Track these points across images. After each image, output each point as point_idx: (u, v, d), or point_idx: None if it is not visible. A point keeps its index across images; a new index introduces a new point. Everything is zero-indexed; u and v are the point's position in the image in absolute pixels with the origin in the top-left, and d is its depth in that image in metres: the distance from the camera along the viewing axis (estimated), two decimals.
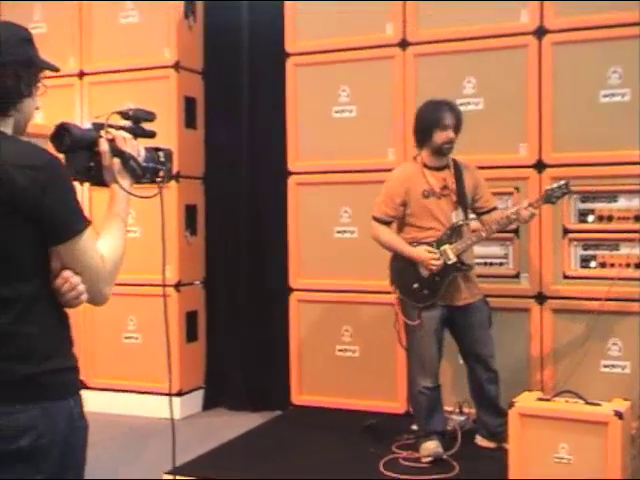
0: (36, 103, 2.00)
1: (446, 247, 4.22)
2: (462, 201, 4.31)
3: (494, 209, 4.40)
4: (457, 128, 4.24)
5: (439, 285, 4.23)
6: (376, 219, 4.37)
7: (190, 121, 5.84)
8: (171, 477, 3.92)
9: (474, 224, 4.43)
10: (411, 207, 4.30)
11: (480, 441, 4.46)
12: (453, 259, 4.21)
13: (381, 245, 4.38)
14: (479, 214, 4.41)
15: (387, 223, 4.37)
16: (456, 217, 4.29)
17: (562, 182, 4.23)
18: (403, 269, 4.31)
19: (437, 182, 4.29)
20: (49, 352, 1.92)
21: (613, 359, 4.66)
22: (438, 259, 4.19)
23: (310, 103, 5.41)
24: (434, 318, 4.25)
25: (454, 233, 4.27)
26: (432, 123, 4.22)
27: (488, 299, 4.48)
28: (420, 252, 4.23)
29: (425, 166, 4.32)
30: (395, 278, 4.37)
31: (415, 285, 4.26)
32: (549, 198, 4.22)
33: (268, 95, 5.75)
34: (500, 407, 4.37)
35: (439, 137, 4.22)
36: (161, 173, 2.24)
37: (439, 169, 4.32)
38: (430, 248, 4.22)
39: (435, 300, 4.24)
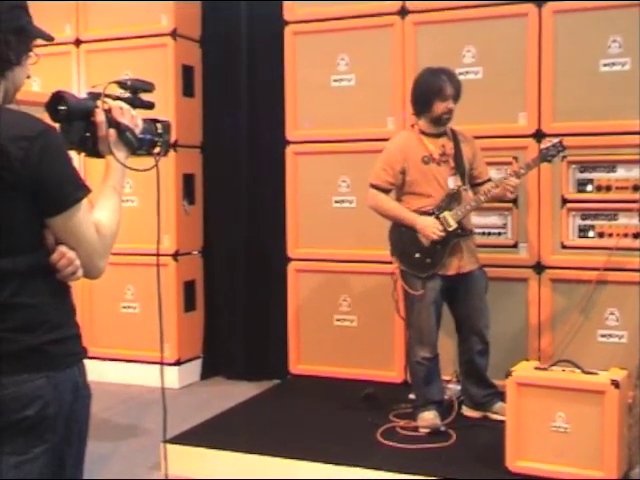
0: (27, 72, 1.97)
1: (446, 214, 4.20)
2: (460, 167, 4.29)
3: (488, 181, 4.40)
4: (456, 98, 4.23)
5: (441, 253, 4.21)
6: (375, 187, 4.33)
7: (188, 89, 5.81)
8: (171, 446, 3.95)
9: (470, 193, 4.41)
10: (411, 174, 4.26)
11: (466, 411, 4.48)
12: (454, 225, 4.19)
13: (380, 213, 4.34)
14: (473, 185, 4.40)
15: (386, 191, 4.34)
16: (453, 183, 4.26)
17: (556, 140, 4.27)
18: (403, 239, 4.28)
19: (436, 148, 4.27)
20: (53, 322, 1.92)
21: (610, 329, 4.67)
22: (442, 230, 4.17)
23: (309, 72, 5.37)
24: (434, 289, 4.24)
25: (453, 199, 4.24)
26: (433, 93, 4.18)
27: (486, 269, 4.49)
28: (423, 220, 4.20)
29: (423, 133, 4.30)
30: (396, 249, 4.35)
31: (417, 255, 4.23)
32: (545, 157, 4.25)
33: (266, 63, 5.71)
34: (487, 379, 4.42)
35: (439, 107, 4.19)
36: (158, 145, 2.22)
37: (437, 136, 4.30)
38: (433, 218, 4.19)
39: (437, 269, 4.22)
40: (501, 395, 4.17)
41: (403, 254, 4.30)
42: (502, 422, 3.83)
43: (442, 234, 4.17)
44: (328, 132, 5.32)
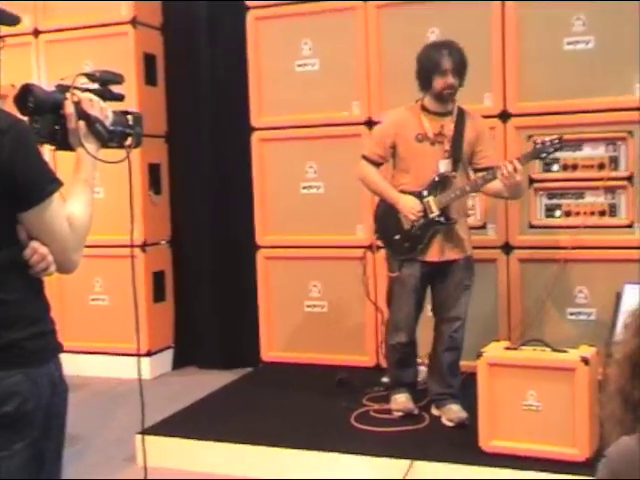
0: None
1: (430, 199, 4.02)
2: (454, 151, 4.06)
3: (490, 168, 4.00)
4: (458, 72, 4.01)
5: (420, 239, 4.05)
6: (365, 158, 4.20)
7: (150, 78, 5.74)
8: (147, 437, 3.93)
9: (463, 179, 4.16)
10: (401, 151, 4.11)
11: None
12: (436, 212, 4.02)
13: (366, 185, 4.23)
14: (475, 170, 4.14)
15: (376, 164, 4.20)
16: (444, 167, 4.05)
17: (555, 137, 3.97)
18: (386, 219, 4.16)
19: (432, 127, 4.06)
20: (30, 318, 1.90)
21: (579, 306, 4.72)
22: (419, 212, 4.01)
23: (272, 57, 5.33)
24: (413, 275, 4.09)
25: (439, 185, 4.05)
26: (430, 68, 4.00)
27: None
28: (404, 199, 4.05)
29: (425, 110, 4.10)
30: (378, 227, 4.27)
31: (396, 236, 4.11)
32: (538, 153, 4.02)
33: (230, 49, 5.65)
34: (446, 378, 4.19)
35: (438, 83, 3.99)
36: (130, 137, 2.20)
37: (440, 115, 4.10)
38: (416, 199, 4.03)
39: (415, 255, 4.07)
40: (455, 397, 4.14)
41: (384, 234, 4.22)
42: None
43: (419, 215, 4.01)
44: (293, 118, 5.29)
